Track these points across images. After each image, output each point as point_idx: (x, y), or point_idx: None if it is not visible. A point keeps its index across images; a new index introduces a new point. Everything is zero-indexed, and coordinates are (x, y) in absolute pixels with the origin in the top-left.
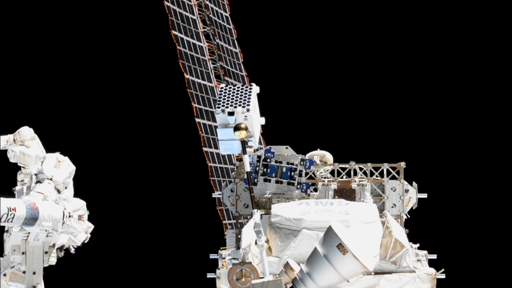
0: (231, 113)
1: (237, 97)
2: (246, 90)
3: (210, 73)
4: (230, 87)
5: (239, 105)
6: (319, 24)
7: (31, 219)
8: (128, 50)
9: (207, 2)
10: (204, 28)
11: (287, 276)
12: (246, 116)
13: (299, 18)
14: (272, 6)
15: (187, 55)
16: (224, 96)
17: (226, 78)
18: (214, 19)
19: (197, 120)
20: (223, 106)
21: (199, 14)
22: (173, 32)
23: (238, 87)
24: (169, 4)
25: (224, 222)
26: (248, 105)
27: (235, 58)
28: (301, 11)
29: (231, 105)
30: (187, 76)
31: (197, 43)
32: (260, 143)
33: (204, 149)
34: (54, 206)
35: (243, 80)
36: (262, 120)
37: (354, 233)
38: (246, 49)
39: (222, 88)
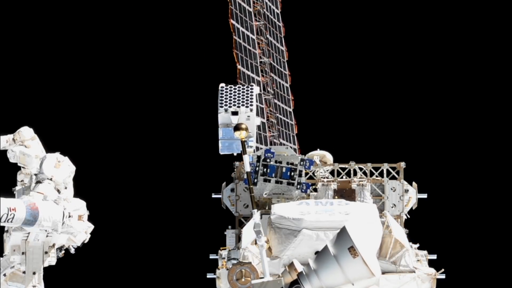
0: (235, 113)
1: (239, 97)
2: (247, 90)
3: (259, 67)
4: (230, 87)
5: (243, 105)
6: (321, 24)
7: (31, 219)
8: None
9: None
10: (257, 21)
11: (289, 276)
12: (248, 116)
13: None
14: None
15: (241, 45)
16: (226, 95)
17: (272, 74)
18: (266, 14)
19: None
20: (225, 105)
21: (254, 7)
22: (231, 21)
23: (239, 87)
24: None
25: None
26: (251, 105)
27: (281, 55)
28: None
29: (234, 105)
30: (239, 66)
31: (250, 35)
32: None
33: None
34: (54, 206)
35: (285, 79)
36: (258, 121)
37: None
38: None
39: (222, 87)
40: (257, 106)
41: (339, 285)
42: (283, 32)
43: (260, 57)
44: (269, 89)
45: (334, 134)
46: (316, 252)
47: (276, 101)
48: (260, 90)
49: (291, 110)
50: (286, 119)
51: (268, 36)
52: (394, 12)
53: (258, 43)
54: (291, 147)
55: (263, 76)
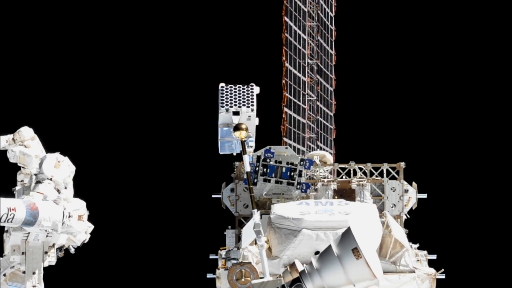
0: (236, 113)
1: (240, 97)
2: (248, 90)
3: (306, 67)
4: (230, 86)
5: (244, 105)
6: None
7: (31, 219)
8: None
9: None
10: (310, 21)
11: (289, 276)
12: (249, 117)
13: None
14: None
15: (291, 44)
16: (226, 95)
17: (317, 77)
18: (320, 15)
19: (285, 109)
20: (226, 105)
21: (309, 7)
22: (285, 18)
23: (239, 87)
24: None
25: None
26: (252, 105)
27: (329, 59)
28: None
29: (235, 105)
30: (287, 64)
31: (302, 34)
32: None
33: (284, 139)
34: (54, 206)
35: (330, 83)
36: (256, 121)
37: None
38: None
39: (222, 87)
40: (299, 106)
41: (341, 285)
42: (335, 36)
43: (310, 58)
44: (309, 90)
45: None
46: (316, 252)
47: (318, 103)
48: (305, 90)
49: (332, 114)
50: (326, 123)
51: (319, 38)
52: (394, 12)
53: (309, 44)
54: (330, 152)
55: (309, 77)
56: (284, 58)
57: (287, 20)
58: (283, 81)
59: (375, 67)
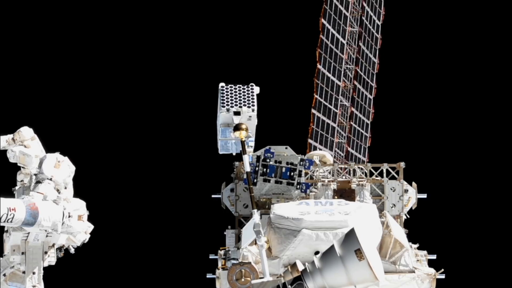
0: (237, 113)
1: (240, 97)
2: (248, 91)
3: (341, 72)
4: (231, 86)
5: (245, 105)
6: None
7: (31, 219)
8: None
9: (364, 4)
10: (351, 27)
11: (289, 276)
12: (250, 117)
13: None
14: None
15: (326, 46)
16: (226, 95)
17: (355, 83)
18: (365, 22)
19: (312, 111)
20: (227, 105)
21: (351, 12)
22: (322, 20)
23: (239, 87)
24: None
25: None
26: (253, 105)
27: (371, 67)
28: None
29: (236, 105)
30: (319, 66)
31: (340, 39)
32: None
33: (309, 141)
34: (54, 206)
35: (370, 91)
36: (256, 121)
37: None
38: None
39: (222, 87)
40: (330, 110)
41: (342, 286)
42: (379, 44)
43: (346, 63)
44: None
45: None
46: (316, 252)
47: (353, 109)
48: (338, 95)
49: (368, 122)
50: (361, 130)
51: (361, 44)
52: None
53: (347, 49)
54: (363, 160)
55: (344, 82)
56: (317, 60)
57: (325, 22)
58: (315, 82)
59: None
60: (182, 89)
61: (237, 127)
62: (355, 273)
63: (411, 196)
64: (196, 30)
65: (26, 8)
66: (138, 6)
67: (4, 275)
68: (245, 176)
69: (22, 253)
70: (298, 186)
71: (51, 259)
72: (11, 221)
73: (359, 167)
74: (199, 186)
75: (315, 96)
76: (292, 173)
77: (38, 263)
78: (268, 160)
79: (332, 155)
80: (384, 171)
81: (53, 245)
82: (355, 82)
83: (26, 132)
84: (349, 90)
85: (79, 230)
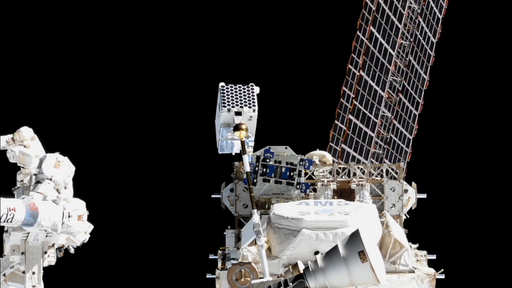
0: (238, 113)
1: (241, 97)
2: (248, 91)
3: (386, 83)
4: (231, 86)
5: (246, 105)
6: (321, 25)
7: (31, 219)
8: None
9: (420, 19)
10: (402, 40)
11: (290, 276)
12: (251, 117)
13: None
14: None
15: (373, 54)
16: (227, 95)
17: (401, 96)
18: (418, 37)
19: (349, 116)
20: (228, 105)
21: (404, 25)
22: (371, 28)
23: (240, 87)
24: (380, 0)
25: None
26: (254, 106)
27: (420, 83)
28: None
29: (237, 105)
30: (363, 73)
31: (389, 49)
32: None
33: (343, 146)
34: (54, 207)
35: (416, 106)
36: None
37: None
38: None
39: (223, 86)
40: (369, 119)
41: (343, 286)
42: (432, 61)
43: (393, 74)
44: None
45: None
46: (316, 252)
47: (395, 122)
48: (380, 105)
49: (411, 137)
50: (402, 145)
51: (411, 58)
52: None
53: (396, 61)
54: (396, 172)
55: (388, 93)
56: (360, 67)
57: (374, 30)
58: (355, 89)
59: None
60: (182, 89)
61: (237, 127)
62: (357, 274)
63: (411, 196)
64: (196, 30)
65: (26, 8)
66: (138, 6)
67: (4, 275)
68: (245, 176)
69: (22, 253)
70: (298, 186)
71: (50, 259)
72: (11, 221)
73: (358, 167)
74: (199, 186)
75: (355, 102)
76: (291, 173)
77: (38, 263)
78: (268, 160)
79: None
80: (384, 171)
81: (53, 245)
82: (401, 96)
83: (26, 132)
84: (393, 102)
85: (79, 230)
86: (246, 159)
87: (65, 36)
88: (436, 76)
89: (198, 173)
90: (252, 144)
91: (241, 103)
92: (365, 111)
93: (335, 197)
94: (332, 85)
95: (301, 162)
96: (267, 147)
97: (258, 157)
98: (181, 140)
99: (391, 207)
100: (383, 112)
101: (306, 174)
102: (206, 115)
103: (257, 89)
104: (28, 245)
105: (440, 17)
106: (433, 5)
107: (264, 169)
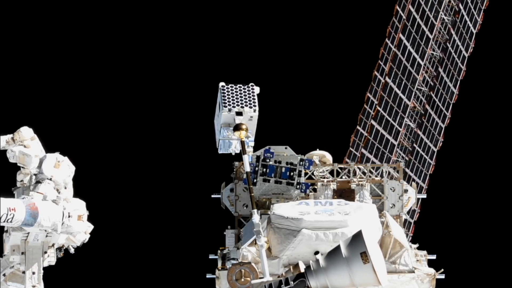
0: (239, 113)
1: (241, 97)
2: (249, 91)
3: (413, 92)
4: (231, 86)
5: (246, 106)
6: (323, 24)
7: (31, 219)
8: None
9: (453, 32)
10: (433, 51)
11: (291, 275)
12: (251, 117)
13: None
14: None
15: (400, 62)
16: (228, 95)
17: (427, 107)
18: (450, 49)
19: (372, 122)
20: (229, 105)
21: (435, 36)
22: (400, 35)
23: (240, 87)
24: (411, 9)
25: None
26: (255, 106)
27: (448, 96)
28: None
29: (238, 105)
30: (388, 79)
31: (418, 59)
32: None
33: (362, 150)
34: (54, 207)
35: (443, 119)
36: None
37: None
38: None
39: (223, 86)
40: (392, 126)
41: (344, 286)
42: (462, 75)
43: (420, 85)
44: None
45: (333, 134)
46: (316, 252)
47: (419, 132)
48: (404, 114)
49: (435, 150)
50: (426, 156)
51: (440, 70)
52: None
53: (425, 71)
54: (419, 184)
55: (414, 103)
56: (386, 73)
57: (403, 38)
58: (380, 95)
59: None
60: (182, 89)
61: (237, 127)
62: (358, 275)
63: (411, 196)
64: (196, 30)
65: (26, 8)
66: (138, 6)
67: (4, 275)
68: (244, 176)
69: (22, 253)
70: (298, 186)
71: (50, 259)
72: (11, 221)
73: (358, 167)
74: (199, 186)
75: (378, 108)
76: (291, 173)
77: (38, 263)
78: (267, 160)
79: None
80: (384, 171)
81: (53, 245)
82: (427, 107)
83: (26, 132)
84: (418, 113)
85: (79, 230)
86: (246, 159)
87: (65, 36)
88: (465, 90)
89: (198, 173)
90: (252, 144)
91: (241, 103)
92: (389, 118)
93: (335, 197)
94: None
95: (301, 162)
96: (267, 147)
97: (258, 157)
98: (181, 140)
99: (391, 207)
100: (407, 121)
101: (306, 174)
102: (206, 115)
103: (257, 89)
104: (28, 245)
105: (474, 31)
106: (467, 19)
107: (264, 169)
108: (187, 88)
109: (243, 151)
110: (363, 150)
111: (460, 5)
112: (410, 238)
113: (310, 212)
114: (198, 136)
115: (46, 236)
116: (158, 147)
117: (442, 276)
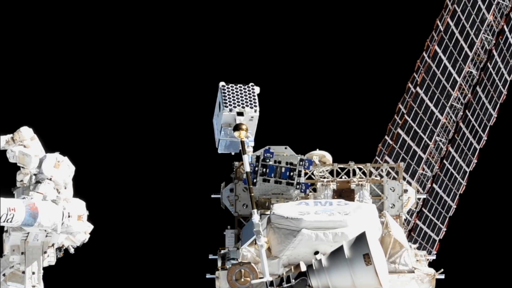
0: (240, 113)
1: (242, 97)
2: (249, 91)
3: (446, 107)
4: (231, 86)
5: (247, 106)
6: (324, 24)
7: (31, 219)
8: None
9: (495, 52)
10: (470, 68)
11: (292, 273)
12: (252, 117)
13: None
14: None
15: (434, 74)
16: (228, 94)
17: (461, 125)
18: (490, 70)
19: (399, 130)
20: (230, 105)
21: (475, 54)
22: (436, 47)
23: (240, 87)
24: (450, 22)
25: None
26: (256, 106)
27: (486, 118)
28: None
29: (239, 105)
30: (419, 89)
31: (454, 74)
32: None
33: (386, 158)
34: (54, 207)
35: (478, 141)
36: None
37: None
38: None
39: (223, 86)
40: (421, 138)
41: (346, 287)
42: (503, 99)
43: (454, 101)
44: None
45: (333, 134)
46: (316, 252)
47: (451, 149)
48: (435, 128)
49: (468, 170)
50: (457, 175)
51: (478, 90)
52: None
53: (461, 89)
54: (450, 205)
55: (446, 118)
56: (418, 83)
57: (438, 50)
58: (409, 103)
59: None
60: (182, 88)
61: (237, 127)
62: (360, 277)
63: (411, 196)
64: (196, 30)
65: (26, 8)
66: (138, 6)
67: (4, 275)
68: (244, 176)
69: (22, 253)
70: (298, 186)
71: (50, 259)
72: (11, 221)
73: (358, 167)
74: (199, 186)
75: (406, 117)
76: (291, 173)
77: (38, 263)
78: (267, 160)
79: (416, 188)
80: (384, 171)
81: (53, 245)
82: (461, 125)
83: (26, 132)
84: (447, 129)
85: (78, 230)
86: (246, 159)
87: (65, 36)
88: (504, 113)
89: (198, 173)
90: (252, 144)
91: (242, 103)
92: (418, 130)
93: (335, 197)
94: (333, 86)
95: (301, 162)
96: (267, 147)
97: (258, 157)
98: (180, 140)
99: (391, 207)
100: (438, 136)
101: (306, 174)
102: (206, 115)
103: (257, 89)
104: (28, 245)
105: None
106: None
107: (264, 169)
108: (187, 88)
109: (243, 151)
110: (386, 157)
111: (505, 27)
112: (434, 255)
113: (310, 212)
114: (198, 136)
115: (46, 236)
116: (158, 147)
117: (442, 276)
